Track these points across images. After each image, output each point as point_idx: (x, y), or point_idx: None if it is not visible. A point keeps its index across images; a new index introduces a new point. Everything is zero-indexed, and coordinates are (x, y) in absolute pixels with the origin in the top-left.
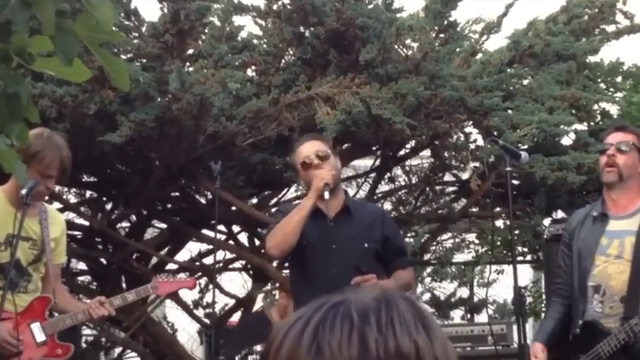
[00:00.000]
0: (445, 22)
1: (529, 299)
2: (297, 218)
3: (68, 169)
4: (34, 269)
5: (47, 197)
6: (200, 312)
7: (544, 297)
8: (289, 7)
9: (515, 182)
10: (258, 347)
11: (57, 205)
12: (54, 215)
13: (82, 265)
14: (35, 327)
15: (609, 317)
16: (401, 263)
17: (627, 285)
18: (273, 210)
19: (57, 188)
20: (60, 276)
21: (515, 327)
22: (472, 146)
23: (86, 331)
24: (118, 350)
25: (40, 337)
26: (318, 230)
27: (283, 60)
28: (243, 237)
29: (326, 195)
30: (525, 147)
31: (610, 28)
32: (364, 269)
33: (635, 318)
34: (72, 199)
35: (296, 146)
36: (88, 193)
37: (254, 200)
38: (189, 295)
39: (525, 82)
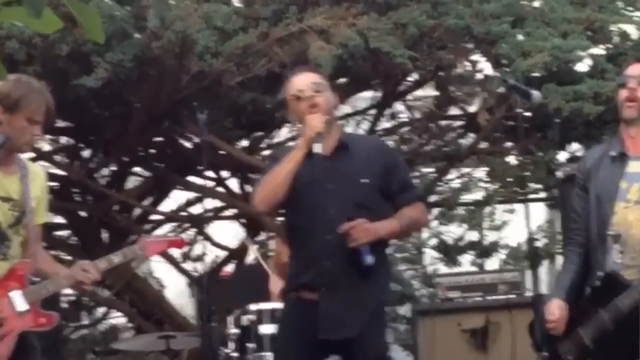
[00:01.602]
0: None
1: (543, 240)
2: (285, 171)
3: (53, 114)
4: (15, 231)
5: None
6: (189, 266)
7: (559, 237)
8: None
9: (527, 114)
10: (253, 306)
11: (30, 154)
12: (34, 172)
13: (59, 219)
14: (16, 295)
15: (630, 268)
16: (405, 198)
17: None
18: (264, 153)
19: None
20: (42, 238)
21: (528, 274)
22: (480, 76)
23: (66, 290)
24: (102, 310)
25: (21, 306)
26: (312, 170)
27: None
28: (233, 183)
29: (317, 147)
30: (538, 75)
31: None
32: (367, 206)
33: None
34: (46, 147)
35: (289, 77)
36: (63, 140)
37: (245, 143)
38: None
39: (536, 4)
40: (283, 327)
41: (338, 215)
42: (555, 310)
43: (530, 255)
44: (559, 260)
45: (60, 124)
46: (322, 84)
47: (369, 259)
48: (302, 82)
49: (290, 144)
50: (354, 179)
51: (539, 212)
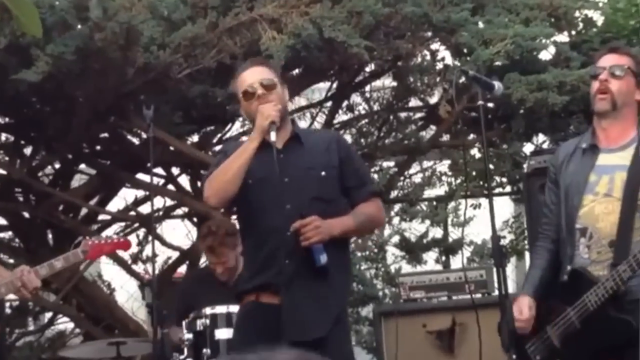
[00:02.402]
0: None
1: (510, 236)
2: (238, 163)
3: None
4: None
5: None
6: (139, 268)
7: (526, 233)
8: None
9: (489, 105)
10: (208, 310)
11: None
12: None
13: (0, 220)
14: None
15: (597, 264)
16: (362, 194)
17: (617, 228)
18: (216, 148)
19: None
20: None
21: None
22: (440, 66)
23: (11, 295)
24: (48, 315)
25: None
26: (266, 164)
27: None
28: (184, 181)
29: (272, 136)
30: (500, 64)
31: None
32: (325, 200)
33: (623, 264)
34: None
35: (238, 72)
36: (3, 137)
37: (195, 139)
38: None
39: None
40: (241, 332)
41: (295, 210)
42: (524, 308)
43: (496, 253)
44: (527, 257)
45: (0, 120)
46: (273, 79)
47: (322, 259)
48: (252, 78)
49: (243, 138)
50: (310, 172)
51: (504, 207)
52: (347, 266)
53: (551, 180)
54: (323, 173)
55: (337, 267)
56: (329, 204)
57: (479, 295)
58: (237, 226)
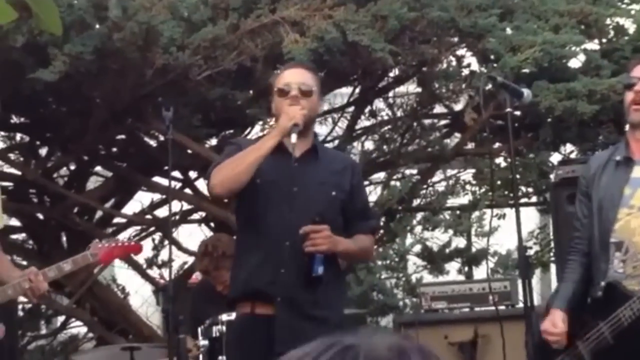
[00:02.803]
0: None
1: (535, 247)
2: (253, 157)
3: None
4: None
5: None
6: (154, 272)
7: (552, 245)
8: None
9: (516, 113)
10: (224, 317)
11: None
12: None
13: (14, 222)
14: None
15: (632, 279)
16: (364, 227)
17: None
18: None
19: None
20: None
21: (520, 283)
22: (466, 72)
23: (23, 298)
24: (61, 319)
25: None
26: (278, 168)
27: None
28: (201, 185)
29: (293, 138)
30: (528, 71)
31: None
32: (327, 219)
33: None
34: (0, 145)
35: (283, 68)
36: (18, 137)
37: (213, 142)
38: (141, 254)
39: None
40: (235, 344)
41: (298, 221)
42: (558, 322)
43: (522, 264)
44: (552, 269)
45: (15, 119)
46: (312, 88)
47: (320, 270)
48: (293, 78)
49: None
50: (322, 188)
51: (530, 218)
52: (341, 286)
53: (582, 193)
54: (334, 193)
55: (331, 285)
56: (330, 224)
57: (502, 307)
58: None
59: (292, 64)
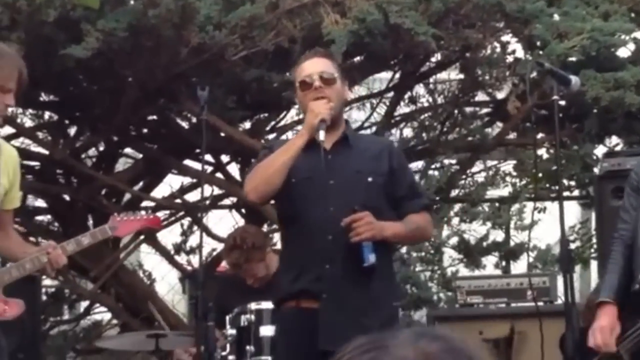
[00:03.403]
0: None
1: (576, 243)
2: (283, 159)
3: (26, 82)
4: None
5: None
6: (182, 259)
7: (594, 240)
8: None
9: (561, 103)
10: (253, 305)
11: (8, 129)
12: (7, 151)
13: (40, 202)
14: None
15: None
16: (414, 206)
17: None
18: (269, 137)
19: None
20: (13, 222)
21: (560, 279)
22: (510, 59)
23: (47, 281)
24: (85, 304)
25: None
26: (311, 164)
27: None
28: (233, 169)
29: (321, 135)
30: (574, 60)
31: None
32: (369, 206)
33: None
34: (28, 123)
35: (299, 60)
36: (47, 115)
37: (247, 125)
38: (168, 238)
39: None
40: (281, 339)
41: (339, 214)
42: (612, 314)
43: (564, 258)
44: (593, 265)
45: (44, 97)
46: (334, 74)
47: (371, 258)
48: (312, 69)
49: (289, 134)
50: (358, 176)
51: (571, 212)
52: (392, 272)
53: (632, 188)
54: (370, 179)
55: (382, 275)
56: (373, 211)
57: (540, 304)
58: (266, 234)
59: (309, 54)
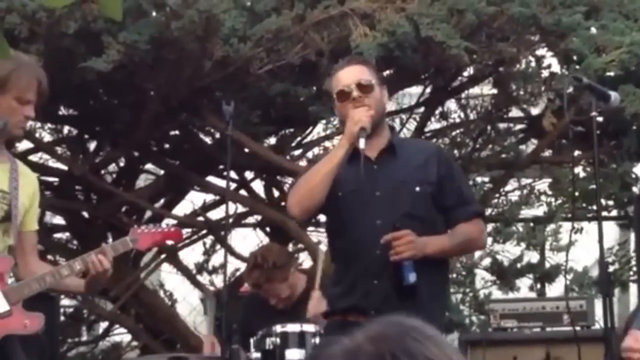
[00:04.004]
0: None
1: (614, 265)
2: (324, 170)
3: (46, 93)
4: (3, 230)
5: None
6: (204, 279)
7: (633, 262)
8: None
9: (599, 119)
10: (278, 328)
11: (27, 144)
12: (25, 173)
13: (58, 219)
14: None
15: None
16: (463, 213)
17: None
18: (295, 153)
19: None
20: (36, 247)
21: (598, 302)
22: (546, 74)
23: (65, 301)
24: (104, 325)
25: (2, 306)
26: (357, 176)
27: None
28: (258, 186)
29: (362, 143)
30: (612, 74)
31: None
32: (417, 217)
33: None
34: (47, 137)
35: (335, 70)
36: (66, 129)
37: (272, 141)
38: (191, 257)
39: None
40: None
41: (386, 227)
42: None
43: (603, 281)
44: (632, 289)
45: (63, 111)
46: (371, 81)
47: (411, 278)
48: (349, 78)
49: (326, 143)
50: (405, 186)
51: (609, 233)
52: (442, 294)
53: None
54: (417, 189)
55: (430, 295)
56: (422, 222)
57: (577, 328)
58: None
59: (343, 63)
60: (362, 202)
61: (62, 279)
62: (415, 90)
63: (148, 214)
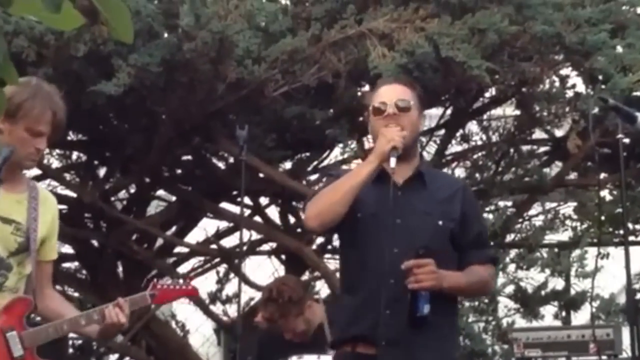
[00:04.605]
0: None
1: None
2: (349, 185)
3: (62, 125)
4: (18, 262)
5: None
6: (218, 308)
7: None
8: None
9: (625, 140)
10: (294, 359)
11: (35, 171)
12: (46, 197)
13: (67, 248)
14: (12, 337)
15: None
16: (480, 256)
17: None
18: (311, 178)
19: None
20: (52, 276)
21: (625, 330)
22: (570, 94)
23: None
24: (114, 357)
25: (17, 350)
26: (380, 199)
27: None
28: (273, 212)
29: (392, 162)
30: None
31: None
32: (435, 251)
33: None
34: (55, 163)
35: (377, 84)
36: (75, 155)
37: (288, 165)
38: (204, 287)
39: None
40: None
41: (403, 256)
42: None
43: (630, 308)
44: None
45: (73, 136)
46: (410, 102)
47: (425, 309)
48: (389, 95)
49: (343, 167)
50: (427, 218)
51: (637, 258)
52: (455, 332)
53: None
54: (440, 222)
55: (443, 329)
56: (438, 257)
57: (604, 358)
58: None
59: (388, 79)
60: (381, 227)
61: (79, 328)
62: (436, 112)
63: (160, 242)
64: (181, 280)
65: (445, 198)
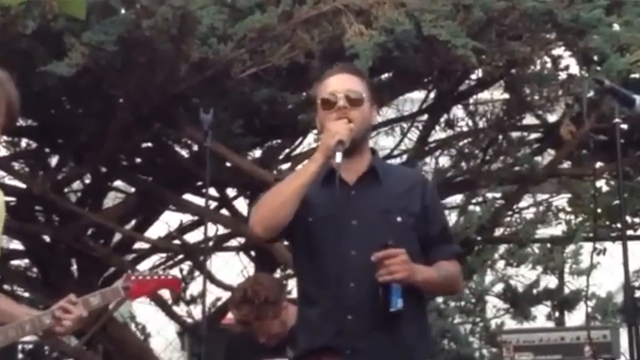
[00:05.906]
0: None
1: None
2: (294, 185)
3: (17, 114)
4: None
5: None
6: (181, 309)
7: None
8: None
9: (623, 126)
10: None
11: None
12: None
13: (15, 244)
14: None
15: None
16: (446, 252)
17: None
18: (283, 167)
19: None
20: None
21: (623, 332)
22: (563, 76)
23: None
24: None
25: None
26: (332, 200)
27: None
28: (241, 205)
29: (338, 157)
30: (638, 76)
31: None
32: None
33: None
34: (2, 152)
35: (324, 75)
36: (24, 142)
37: (257, 153)
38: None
39: None
40: None
41: (362, 258)
42: None
43: (628, 308)
44: None
45: (21, 122)
46: (362, 94)
47: (399, 303)
48: (338, 86)
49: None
50: (385, 216)
51: (635, 254)
52: (426, 329)
53: None
54: (399, 219)
55: (412, 328)
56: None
57: None
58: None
59: (336, 69)
60: (335, 230)
61: (42, 328)
62: (418, 95)
63: (117, 237)
64: (160, 271)
65: (403, 192)
